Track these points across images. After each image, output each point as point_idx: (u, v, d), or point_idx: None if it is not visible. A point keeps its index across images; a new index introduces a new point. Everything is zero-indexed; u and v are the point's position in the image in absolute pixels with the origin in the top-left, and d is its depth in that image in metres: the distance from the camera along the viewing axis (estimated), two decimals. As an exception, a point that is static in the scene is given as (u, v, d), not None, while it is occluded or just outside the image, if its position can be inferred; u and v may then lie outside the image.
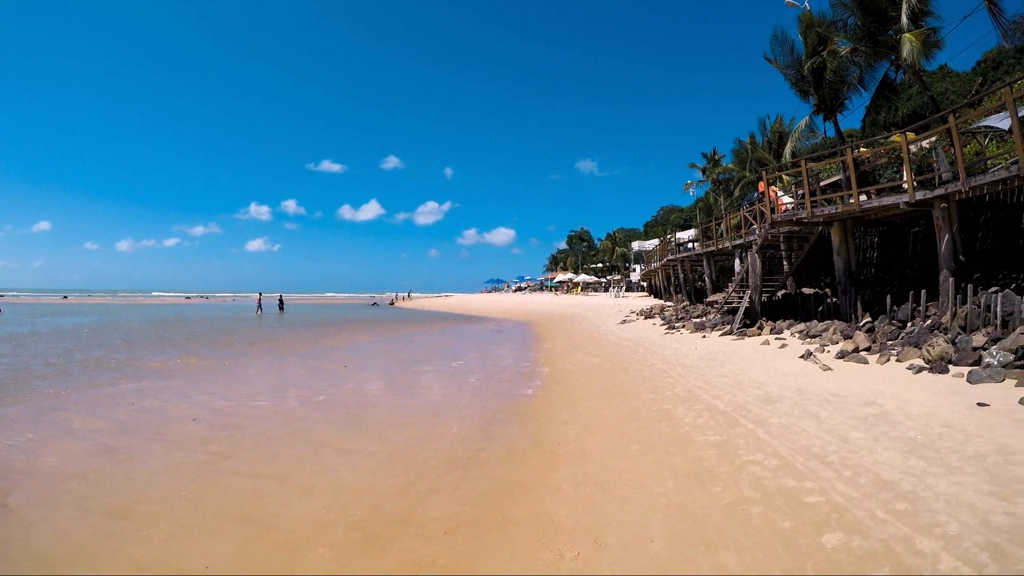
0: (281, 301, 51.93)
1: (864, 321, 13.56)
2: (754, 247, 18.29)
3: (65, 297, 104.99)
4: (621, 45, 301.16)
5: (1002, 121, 13.76)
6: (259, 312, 45.94)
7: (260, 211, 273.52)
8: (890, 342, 11.37)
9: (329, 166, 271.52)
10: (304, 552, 4.58)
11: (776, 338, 14.66)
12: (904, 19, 19.41)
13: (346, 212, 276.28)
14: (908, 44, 19.03)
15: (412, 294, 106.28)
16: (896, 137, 17.60)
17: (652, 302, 38.25)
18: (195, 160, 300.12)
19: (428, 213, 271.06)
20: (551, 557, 4.29)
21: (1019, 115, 10.43)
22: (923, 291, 12.42)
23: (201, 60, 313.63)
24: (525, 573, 4.14)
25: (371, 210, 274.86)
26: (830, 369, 10.13)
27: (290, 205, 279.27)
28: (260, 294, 51.43)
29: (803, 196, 16.25)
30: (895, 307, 13.20)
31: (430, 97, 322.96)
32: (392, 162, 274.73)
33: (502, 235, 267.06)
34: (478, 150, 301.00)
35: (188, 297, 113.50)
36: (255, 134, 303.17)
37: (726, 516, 4.64)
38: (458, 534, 4.81)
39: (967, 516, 4.13)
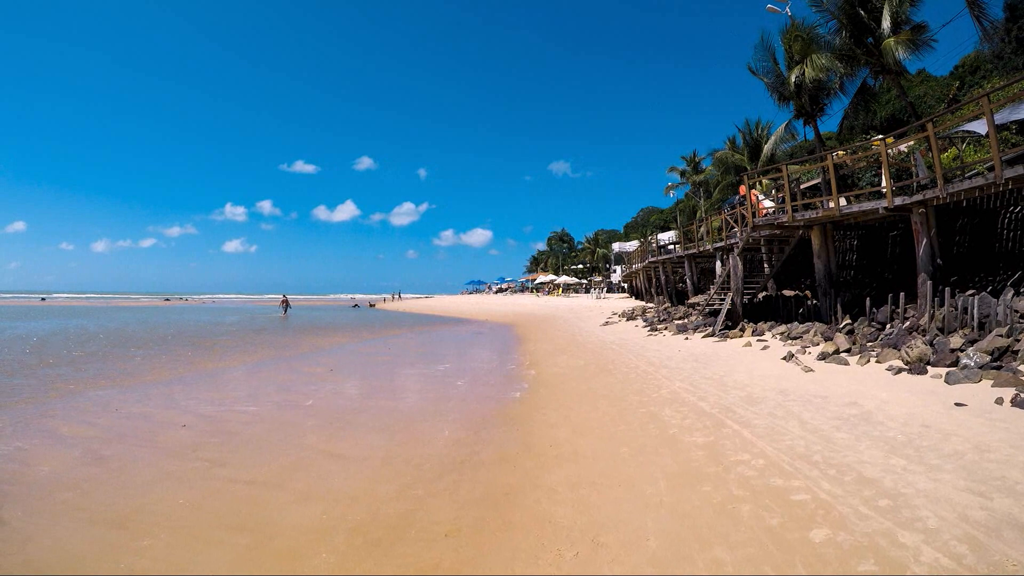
0: (286, 303, 52.85)
1: (844, 323, 13.83)
2: (736, 250, 18.54)
3: (43, 299, 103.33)
4: (591, 43, 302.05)
5: (980, 126, 14.09)
6: (284, 315, 48.79)
7: (236, 212, 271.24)
8: (870, 344, 11.63)
9: (303, 167, 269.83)
10: (307, 558, 4.63)
11: (758, 340, 14.91)
12: (886, 26, 19.78)
13: (321, 213, 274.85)
14: (898, 46, 19.37)
15: (402, 295, 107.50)
16: (875, 142, 17.95)
17: (633, 304, 38.50)
18: (169, 159, 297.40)
19: (404, 214, 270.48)
20: (551, 557, 4.40)
21: (995, 123, 10.73)
22: (902, 293, 12.71)
23: (173, 56, 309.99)
24: (527, 574, 4.25)
25: (346, 211, 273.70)
26: (812, 371, 10.35)
27: (265, 206, 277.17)
28: (284, 296, 55.59)
29: (783, 200, 16.53)
30: (874, 309, 13.49)
31: (402, 95, 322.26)
32: (366, 163, 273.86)
33: (479, 236, 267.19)
34: (452, 151, 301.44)
35: (167, 299, 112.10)
36: (228, 132, 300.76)
37: (717, 514, 4.79)
38: (459, 537, 4.90)
39: (946, 511, 4.33)
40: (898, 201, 12.78)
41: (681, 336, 17.94)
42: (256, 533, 5.13)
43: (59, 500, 6.04)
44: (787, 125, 28.38)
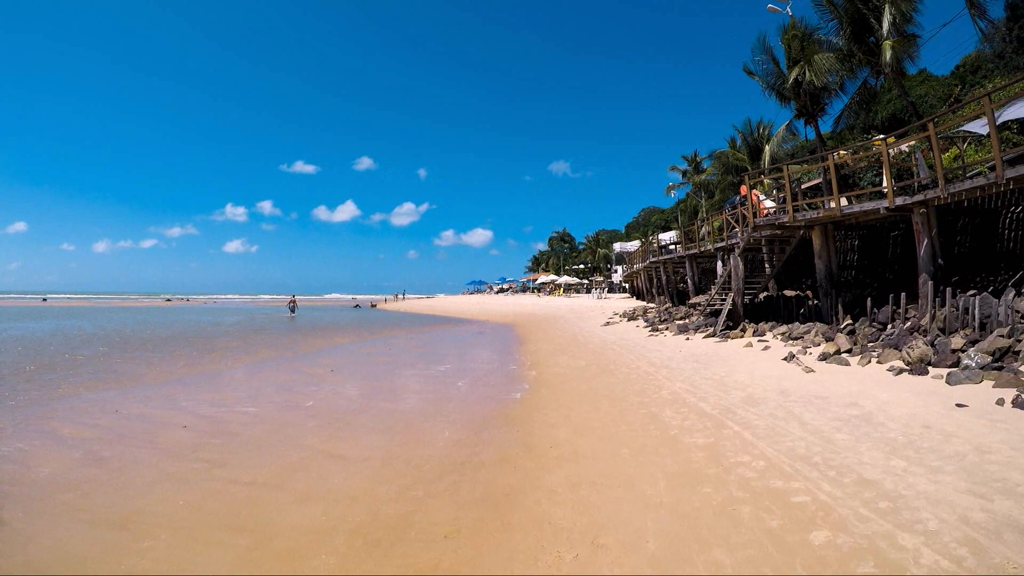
0: (294, 303, 53.17)
1: (845, 323, 13.83)
2: (736, 250, 18.54)
3: (44, 299, 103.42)
4: (592, 43, 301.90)
5: (980, 127, 14.08)
6: (291, 315, 48.78)
7: (236, 212, 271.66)
8: (871, 344, 11.62)
9: (302, 167, 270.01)
10: (307, 559, 4.63)
11: (759, 340, 14.90)
12: (886, 27, 19.75)
13: (322, 213, 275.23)
14: (889, 51, 19.38)
15: (406, 295, 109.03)
16: (876, 141, 17.93)
17: (635, 304, 38.49)
18: (169, 159, 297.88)
19: (404, 214, 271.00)
20: (551, 559, 4.40)
21: (996, 122, 10.72)
22: (903, 294, 12.70)
23: (173, 56, 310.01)
24: (526, 575, 4.26)
25: (347, 211, 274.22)
26: (813, 371, 10.35)
27: (266, 206, 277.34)
28: (292, 296, 55.30)
29: (784, 200, 16.52)
30: (875, 309, 13.48)
31: (402, 95, 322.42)
32: (365, 163, 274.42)
33: (479, 236, 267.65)
34: (451, 151, 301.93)
35: (168, 299, 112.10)
36: (228, 132, 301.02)
37: (717, 516, 4.79)
38: (458, 538, 4.90)
39: (946, 513, 4.32)
40: (899, 201, 12.77)
41: (682, 336, 17.94)
42: (256, 534, 5.14)
43: (60, 501, 6.03)
44: (788, 125, 28.42)
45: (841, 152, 18.97)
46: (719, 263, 23.24)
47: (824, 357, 11.27)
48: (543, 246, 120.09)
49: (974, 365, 8.62)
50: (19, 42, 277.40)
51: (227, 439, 8.45)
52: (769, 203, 20.31)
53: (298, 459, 7.44)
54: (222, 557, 4.74)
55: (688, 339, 17.17)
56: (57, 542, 5.09)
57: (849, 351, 11.49)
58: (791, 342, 13.87)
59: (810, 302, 18.14)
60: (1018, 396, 7.01)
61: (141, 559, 4.74)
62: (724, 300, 18.79)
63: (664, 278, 33.94)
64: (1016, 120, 14.74)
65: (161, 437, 8.54)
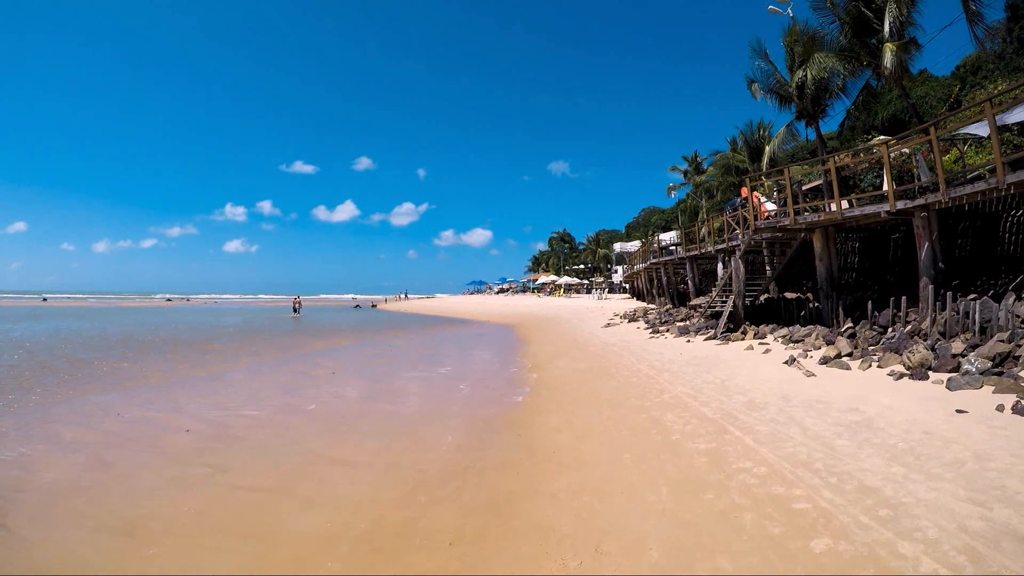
0: (298, 304, 53.34)
1: (846, 326, 13.85)
2: (737, 252, 18.56)
3: (45, 299, 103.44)
4: (591, 43, 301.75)
5: (981, 128, 14.09)
6: (295, 315, 49.37)
7: (236, 212, 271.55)
8: (871, 348, 11.64)
9: (302, 167, 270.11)
10: (314, 567, 4.67)
11: (760, 343, 14.91)
12: (887, 29, 19.75)
13: (321, 213, 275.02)
14: (889, 53, 19.39)
15: (408, 295, 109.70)
16: (877, 143, 17.96)
17: (635, 304, 38.51)
18: (169, 159, 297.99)
19: (404, 214, 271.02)
20: (555, 566, 4.44)
21: (997, 125, 10.74)
22: (903, 297, 12.72)
23: (173, 56, 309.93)
24: (530, 583, 4.30)
25: (346, 211, 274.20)
26: (813, 375, 10.36)
27: (265, 206, 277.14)
28: (297, 297, 56.33)
29: (785, 202, 16.55)
30: (876, 312, 13.50)
31: (401, 95, 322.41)
32: (364, 163, 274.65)
33: (479, 236, 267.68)
34: (451, 151, 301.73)
35: (169, 299, 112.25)
36: (228, 132, 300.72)
37: (719, 523, 4.82)
38: (463, 545, 4.94)
39: (946, 521, 4.35)
40: (900, 205, 12.79)
41: (683, 338, 17.96)
42: (262, 541, 5.17)
43: (64, 507, 6.07)
44: (788, 126, 28.35)
45: (842, 154, 19.00)
46: (720, 265, 23.27)
47: (825, 361, 11.29)
48: (543, 246, 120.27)
49: (974, 370, 8.63)
50: (19, 42, 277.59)
51: (230, 443, 8.50)
52: (770, 205, 20.35)
53: (301, 464, 7.48)
54: (228, 564, 4.77)
55: (689, 341, 17.19)
56: (62, 548, 5.13)
57: (850, 355, 11.50)
58: (792, 345, 13.89)
59: (811, 304, 18.17)
60: (1018, 402, 7.03)
61: (147, 566, 4.78)
62: (725, 302, 18.81)
63: (665, 279, 33.95)
64: (1017, 123, 14.76)
65: (164, 441, 8.58)
